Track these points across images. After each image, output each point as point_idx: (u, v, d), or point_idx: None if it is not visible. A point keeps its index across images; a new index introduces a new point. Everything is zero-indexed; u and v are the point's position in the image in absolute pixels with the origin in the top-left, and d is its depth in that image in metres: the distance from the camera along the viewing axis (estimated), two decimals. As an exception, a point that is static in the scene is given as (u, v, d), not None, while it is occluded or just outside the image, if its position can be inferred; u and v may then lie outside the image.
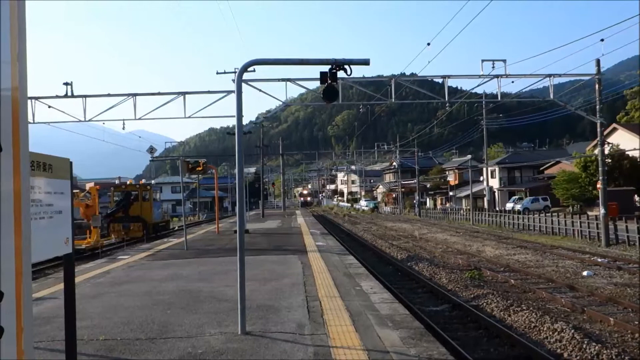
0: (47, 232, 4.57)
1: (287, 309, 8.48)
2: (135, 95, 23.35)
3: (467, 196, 58.44)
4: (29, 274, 1.81)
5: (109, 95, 24.15)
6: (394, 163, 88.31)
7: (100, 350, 6.43)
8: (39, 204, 4.35)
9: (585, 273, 16.81)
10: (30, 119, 22.97)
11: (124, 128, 24.62)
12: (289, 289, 10.26)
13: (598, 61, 25.22)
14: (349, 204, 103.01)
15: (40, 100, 23.20)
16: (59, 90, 22.97)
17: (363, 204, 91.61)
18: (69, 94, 22.77)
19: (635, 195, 41.33)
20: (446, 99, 25.26)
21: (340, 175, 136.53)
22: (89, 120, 23.87)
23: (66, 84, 22.71)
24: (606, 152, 30.70)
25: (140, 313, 8.46)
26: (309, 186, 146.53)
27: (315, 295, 9.57)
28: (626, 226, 24.81)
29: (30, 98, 23.04)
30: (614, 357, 8.25)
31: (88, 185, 27.22)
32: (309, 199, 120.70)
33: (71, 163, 5.18)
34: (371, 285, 10.80)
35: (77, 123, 24.48)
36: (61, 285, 7.73)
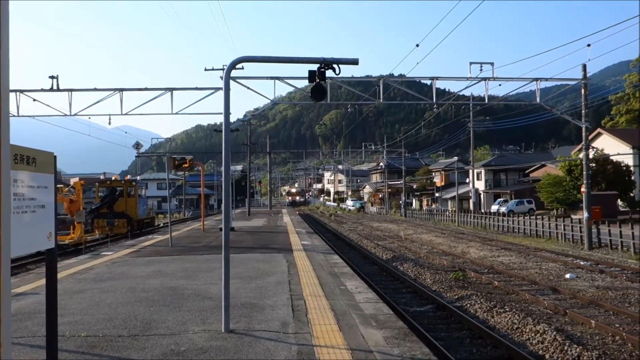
0: (29, 227, 4.52)
1: (272, 307, 8.46)
2: (122, 90, 23.17)
3: (453, 198, 58.74)
4: (8, 265, 1.78)
5: (95, 89, 23.93)
6: (381, 163, 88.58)
7: (81, 347, 6.36)
8: (22, 198, 4.30)
9: (568, 276, 16.98)
10: (14, 111, 22.71)
11: (110, 123, 24.43)
12: (274, 288, 10.23)
13: (584, 66, 25.50)
14: (336, 204, 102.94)
15: (25, 93, 22.95)
16: (44, 84, 22.75)
17: (349, 203, 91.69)
18: (55, 87, 22.53)
19: (618, 200, 41.84)
20: (434, 100, 25.38)
21: (327, 175, 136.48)
22: (75, 115, 23.65)
23: (52, 77, 22.49)
24: (591, 156, 31.03)
25: (123, 310, 8.39)
26: (296, 185, 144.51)
27: (300, 294, 9.56)
28: (609, 230, 25.09)
29: (15, 91, 22.78)
30: (594, 359, 8.34)
31: (72, 180, 26.91)
32: (297, 197, 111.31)
33: (55, 157, 5.13)
34: (356, 285, 10.81)
35: (62, 117, 24.25)
36: (43, 281, 7.65)
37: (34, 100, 23.03)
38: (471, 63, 23.12)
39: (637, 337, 9.58)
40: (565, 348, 8.92)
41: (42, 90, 22.65)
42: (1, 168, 1.69)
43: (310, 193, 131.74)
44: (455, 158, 68.05)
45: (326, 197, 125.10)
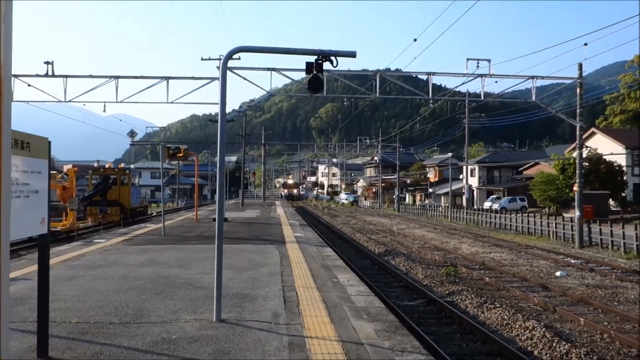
0: (22, 212, 4.50)
1: (264, 298, 8.47)
2: (117, 77, 23.06)
3: (446, 193, 58.93)
4: (7, 246, 1.79)
5: (90, 76, 23.79)
6: (376, 158, 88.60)
7: (72, 333, 6.36)
8: (15, 183, 4.28)
9: (558, 273, 17.09)
10: (8, 97, 22.54)
11: (104, 110, 24.30)
12: (266, 279, 10.25)
13: (580, 65, 25.56)
14: (329, 197, 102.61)
15: (20, 78, 22.79)
16: (39, 69, 22.62)
17: (343, 197, 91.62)
18: (50, 73, 22.39)
19: (610, 199, 42.09)
20: (430, 96, 25.39)
21: (322, 168, 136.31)
22: (69, 101, 23.53)
23: (47, 63, 22.34)
24: (584, 155, 31.16)
25: (115, 297, 8.39)
26: (290, 176, 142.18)
27: (292, 286, 9.58)
28: (600, 229, 25.23)
29: (9, 76, 22.59)
30: (582, 356, 8.41)
31: (66, 167, 26.84)
32: (294, 191, 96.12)
33: (50, 143, 5.11)
34: (348, 278, 10.84)
35: (56, 103, 24.11)
36: (35, 267, 7.63)
37: (29, 85, 22.89)
38: (468, 59, 23.17)
39: (625, 335, 9.67)
40: (554, 345, 8.99)
41: (37, 75, 22.51)
42: (2, 154, 1.69)
43: (304, 185, 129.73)
44: (450, 154, 68.08)
45: (320, 190, 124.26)
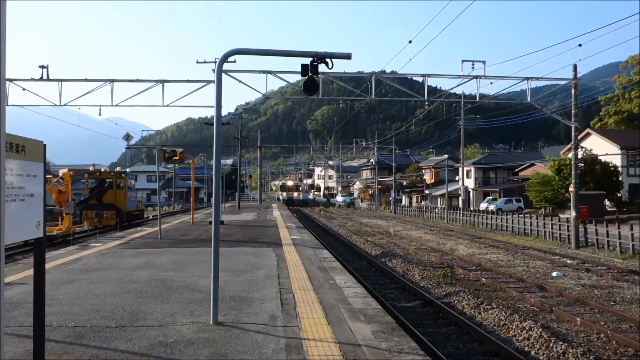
0: (17, 215, 4.49)
1: (260, 300, 8.47)
2: (112, 81, 22.98)
3: (442, 195, 58.99)
4: (2, 251, 1.78)
5: (85, 80, 23.72)
6: (372, 160, 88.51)
7: (69, 337, 6.34)
8: (10, 186, 4.27)
9: (554, 274, 17.13)
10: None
11: (100, 114, 24.19)
12: (263, 281, 10.24)
13: (575, 66, 25.63)
14: (326, 199, 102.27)
15: (15, 82, 22.72)
16: (34, 73, 22.55)
17: (339, 199, 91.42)
18: (45, 77, 22.32)
19: (606, 200, 42.22)
20: (425, 97, 25.42)
21: (318, 170, 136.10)
22: (65, 105, 23.45)
23: (42, 67, 22.26)
24: (579, 156, 31.25)
25: (112, 301, 8.37)
26: (289, 178, 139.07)
27: (288, 288, 9.57)
28: (596, 229, 25.31)
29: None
30: (579, 356, 8.43)
31: (61, 171, 26.78)
32: (294, 194, 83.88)
33: (45, 146, 5.10)
34: (345, 280, 10.84)
35: (52, 107, 24.03)
36: (30, 271, 7.61)
37: (24, 89, 22.81)
38: (463, 61, 23.17)
39: (622, 335, 9.69)
40: (551, 345, 9.01)
41: (32, 79, 22.42)
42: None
43: (300, 188, 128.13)
44: (446, 156, 68.15)
45: (316, 193, 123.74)
